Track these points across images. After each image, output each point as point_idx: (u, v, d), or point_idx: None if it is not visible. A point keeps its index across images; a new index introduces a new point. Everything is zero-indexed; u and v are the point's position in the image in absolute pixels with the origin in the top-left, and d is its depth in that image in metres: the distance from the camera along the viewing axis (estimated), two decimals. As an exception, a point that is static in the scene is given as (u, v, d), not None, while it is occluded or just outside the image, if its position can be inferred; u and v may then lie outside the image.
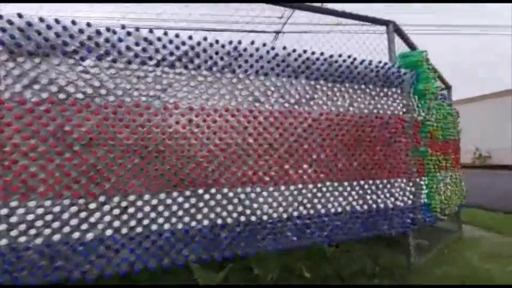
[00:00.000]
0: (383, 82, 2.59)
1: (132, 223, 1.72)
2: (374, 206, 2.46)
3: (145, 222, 1.75)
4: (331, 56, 2.36)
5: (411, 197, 2.69)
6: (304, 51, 2.28)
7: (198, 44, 1.96)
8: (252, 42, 2.12)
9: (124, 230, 1.70)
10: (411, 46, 3.24)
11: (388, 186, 2.55)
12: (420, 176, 2.81)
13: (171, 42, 1.89)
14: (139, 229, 1.74)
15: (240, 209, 1.98)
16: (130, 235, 1.72)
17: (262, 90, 2.14)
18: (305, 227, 2.19)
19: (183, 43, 1.92)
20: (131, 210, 1.73)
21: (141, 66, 1.82)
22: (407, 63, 2.89)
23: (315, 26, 4.12)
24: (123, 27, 1.81)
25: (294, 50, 2.25)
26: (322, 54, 2.34)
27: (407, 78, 2.77)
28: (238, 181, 1.99)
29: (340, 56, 2.41)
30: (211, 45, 2.00)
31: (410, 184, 2.69)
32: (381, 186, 2.51)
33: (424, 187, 2.85)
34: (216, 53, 2.01)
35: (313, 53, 2.32)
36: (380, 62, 2.59)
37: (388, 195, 2.53)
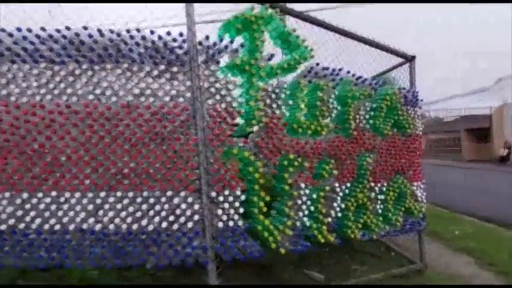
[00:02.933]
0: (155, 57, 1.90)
1: None
2: (126, 226, 1.84)
3: None
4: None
5: (195, 217, 1.92)
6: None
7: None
8: None
9: None
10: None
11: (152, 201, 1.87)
12: (230, 189, 1.98)
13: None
14: None
15: None
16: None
17: None
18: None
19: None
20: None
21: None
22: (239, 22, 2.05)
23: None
24: None
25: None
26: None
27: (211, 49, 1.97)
28: None
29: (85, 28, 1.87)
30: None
31: (195, 200, 1.91)
32: (139, 200, 1.86)
33: (232, 203, 1.99)
34: None
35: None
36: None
37: (153, 213, 1.86)
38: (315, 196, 2.32)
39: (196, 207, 1.91)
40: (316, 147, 2.38)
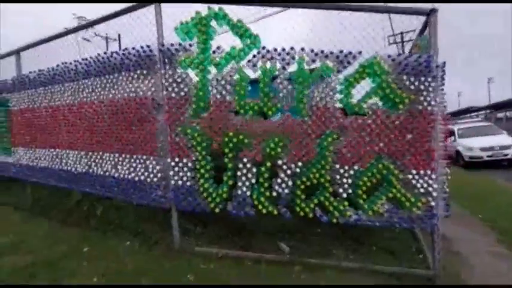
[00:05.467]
0: (135, 67, 2.81)
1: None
2: (122, 175, 2.93)
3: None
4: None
5: (158, 175, 2.71)
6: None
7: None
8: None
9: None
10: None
11: (131, 161, 2.84)
12: (178, 156, 2.65)
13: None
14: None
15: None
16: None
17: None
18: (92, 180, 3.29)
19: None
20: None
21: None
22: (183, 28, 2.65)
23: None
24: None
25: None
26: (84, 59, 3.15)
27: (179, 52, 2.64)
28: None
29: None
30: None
31: (155, 163, 2.71)
32: (126, 160, 2.88)
33: (183, 168, 2.64)
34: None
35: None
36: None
37: (131, 169, 2.85)
38: (254, 170, 2.57)
39: (158, 167, 2.72)
40: (262, 126, 2.58)
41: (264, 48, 2.57)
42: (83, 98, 3.24)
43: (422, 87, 2.49)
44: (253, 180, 2.59)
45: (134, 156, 2.86)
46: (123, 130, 2.91)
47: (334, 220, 2.56)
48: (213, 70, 2.65)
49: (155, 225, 3.08)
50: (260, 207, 2.57)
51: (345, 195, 2.55)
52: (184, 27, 2.61)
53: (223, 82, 2.59)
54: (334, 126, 2.55)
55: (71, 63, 3.28)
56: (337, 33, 2.58)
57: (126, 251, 2.86)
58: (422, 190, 2.52)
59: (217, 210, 2.61)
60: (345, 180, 2.54)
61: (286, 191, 2.56)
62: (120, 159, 2.96)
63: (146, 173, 2.79)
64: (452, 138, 9.95)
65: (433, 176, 2.52)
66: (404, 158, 2.52)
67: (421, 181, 2.52)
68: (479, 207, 4.68)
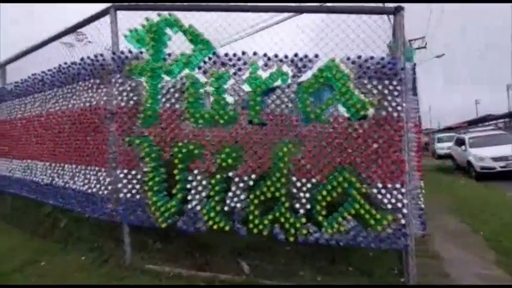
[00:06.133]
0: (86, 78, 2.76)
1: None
2: (79, 187, 2.83)
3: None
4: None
5: (109, 187, 2.59)
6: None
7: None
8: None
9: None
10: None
11: (86, 173, 2.74)
12: (127, 168, 2.53)
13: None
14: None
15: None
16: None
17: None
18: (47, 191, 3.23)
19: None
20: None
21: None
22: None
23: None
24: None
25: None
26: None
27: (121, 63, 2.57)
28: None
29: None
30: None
31: (105, 174, 2.59)
32: (82, 172, 2.79)
33: (132, 180, 2.51)
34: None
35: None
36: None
37: (85, 181, 2.75)
38: (204, 183, 2.40)
39: (109, 179, 2.60)
40: (213, 136, 2.42)
41: (214, 53, 2.44)
42: (49, 109, 3.22)
43: (386, 91, 2.25)
44: (204, 194, 2.41)
45: (89, 168, 2.77)
46: (80, 141, 2.84)
47: (291, 238, 2.32)
48: (167, 78, 2.55)
49: (111, 239, 2.94)
50: (211, 222, 2.38)
51: (302, 211, 2.31)
52: (135, 34, 2.53)
53: (172, 90, 2.47)
54: (290, 135, 2.35)
55: (39, 74, 3.29)
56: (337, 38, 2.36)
57: (78, 267, 2.74)
58: (390, 206, 2.24)
59: (164, 225, 2.44)
60: (302, 194, 2.31)
61: (238, 205, 2.36)
62: (77, 170, 2.88)
63: (98, 185, 2.68)
64: (463, 147, 9.34)
65: (403, 190, 2.24)
66: (368, 170, 2.26)
67: (388, 196, 2.24)
68: (482, 223, 4.23)
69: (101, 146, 2.67)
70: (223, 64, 2.41)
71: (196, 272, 2.57)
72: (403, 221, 2.24)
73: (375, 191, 2.24)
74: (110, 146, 2.64)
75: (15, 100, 3.78)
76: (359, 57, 2.28)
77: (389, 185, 2.25)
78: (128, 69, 2.55)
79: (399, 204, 2.23)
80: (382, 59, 2.26)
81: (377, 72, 2.26)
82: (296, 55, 2.34)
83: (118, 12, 2.71)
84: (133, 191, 2.52)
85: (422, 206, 2.40)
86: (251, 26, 2.97)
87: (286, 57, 2.36)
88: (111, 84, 2.60)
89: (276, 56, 2.36)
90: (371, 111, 2.32)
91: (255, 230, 2.34)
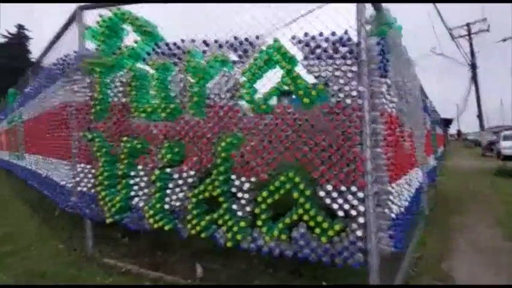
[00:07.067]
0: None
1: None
2: (57, 180, 3.02)
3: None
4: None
5: (73, 181, 2.68)
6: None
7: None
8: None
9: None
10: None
11: (60, 166, 2.89)
12: (85, 162, 2.59)
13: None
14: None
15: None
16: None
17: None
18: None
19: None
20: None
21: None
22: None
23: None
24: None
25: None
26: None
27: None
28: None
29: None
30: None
31: (69, 168, 2.69)
32: (59, 166, 2.96)
33: (87, 175, 2.55)
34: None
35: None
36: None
37: (60, 174, 2.90)
38: (146, 179, 2.30)
39: (71, 173, 2.71)
40: (156, 130, 2.31)
41: (157, 44, 2.33)
42: (43, 108, 3.53)
43: (338, 73, 1.85)
44: (146, 191, 2.32)
45: (61, 162, 2.94)
46: (56, 136, 3.03)
47: (229, 244, 2.08)
48: (121, 72, 2.53)
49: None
50: (151, 221, 2.28)
51: (240, 213, 2.05)
52: (91, 31, 2.57)
53: (119, 84, 2.44)
54: (231, 128, 2.11)
55: (36, 80, 3.64)
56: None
57: (55, 253, 2.92)
58: (341, 213, 1.84)
59: (110, 220, 2.42)
60: (241, 194, 2.05)
61: (177, 204, 2.21)
62: (55, 163, 3.08)
63: (66, 179, 2.81)
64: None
65: (360, 195, 1.82)
66: (316, 169, 1.89)
67: (340, 201, 1.84)
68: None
69: (67, 141, 2.80)
70: (164, 54, 2.29)
71: (146, 270, 2.50)
72: (359, 233, 1.81)
73: (322, 194, 1.86)
74: (74, 141, 2.74)
75: (28, 103, 4.27)
76: (306, 34, 1.92)
77: (342, 188, 1.84)
78: (84, 66, 2.61)
79: (353, 212, 1.81)
80: (333, 34, 1.86)
81: (327, 51, 1.87)
82: (236, 38, 2.08)
83: (88, 12, 2.80)
84: (89, 185, 2.57)
85: (393, 215, 1.91)
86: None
87: (227, 42, 2.12)
88: (74, 82, 2.70)
89: (216, 41, 2.15)
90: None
91: (193, 232, 2.16)
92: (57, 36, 3.27)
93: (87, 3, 2.79)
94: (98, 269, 2.58)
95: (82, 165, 2.61)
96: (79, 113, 2.64)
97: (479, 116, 13.77)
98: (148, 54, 2.35)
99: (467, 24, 13.94)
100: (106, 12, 2.64)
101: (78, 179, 2.62)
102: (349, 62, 1.84)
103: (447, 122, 20.39)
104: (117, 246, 2.94)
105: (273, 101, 2.11)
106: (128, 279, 2.47)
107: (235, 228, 2.04)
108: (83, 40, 2.75)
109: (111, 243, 2.96)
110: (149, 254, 2.85)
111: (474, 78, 13.45)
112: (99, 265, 2.62)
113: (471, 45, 13.62)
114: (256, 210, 2.00)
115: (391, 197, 1.93)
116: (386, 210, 1.90)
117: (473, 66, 13.49)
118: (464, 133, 35.54)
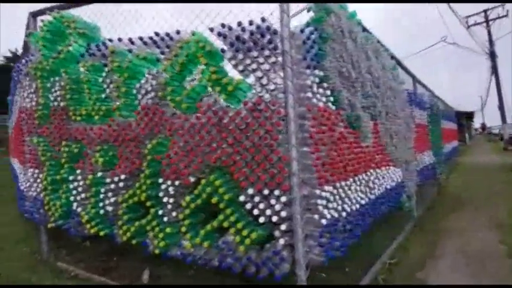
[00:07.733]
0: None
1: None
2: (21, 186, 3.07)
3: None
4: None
5: (27, 185, 2.71)
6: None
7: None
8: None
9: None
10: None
11: (23, 171, 2.94)
12: (34, 167, 2.60)
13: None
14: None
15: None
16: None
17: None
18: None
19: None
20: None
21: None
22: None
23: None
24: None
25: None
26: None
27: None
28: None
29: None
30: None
31: (23, 173, 2.71)
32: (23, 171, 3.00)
33: (36, 179, 2.56)
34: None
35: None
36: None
37: (22, 179, 2.94)
38: (82, 183, 2.25)
39: (25, 178, 2.73)
40: (92, 133, 2.26)
41: (89, 45, 2.27)
42: (16, 114, 3.62)
43: (255, 66, 1.68)
44: (83, 195, 2.27)
45: (21, 166, 2.98)
46: (19, 142, 3.08)
47: (156, 251, 1.97)
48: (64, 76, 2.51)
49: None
50: (88, 226, 2.23)
51: (166, 218, 1.94)
52: (34, 36, 2.57)
53: (58, 88, 2.41)
54: (157, 129, 2.00)
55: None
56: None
57: (20, 256, 2.98)
58: (262, 219, 1.67)
59: (51, 225, 2.41)
60: (166, 199, 1.94)
61: (110, 209, 2.14)
62: (19, 169, 3.14)
63: (25, 183, 2.85)
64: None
65: (283, 199, 1.64)
66: (237, 171, 1.74)
67: (261, 206, 1.68)
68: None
69: (21, 145, 2.83)
70: (95, 55, 2.23)
71: (92, 275, 2.47)
72: (281, 241, 1.64)
73: (242, 198, 1.70)
74: (26, 146, 2.76)
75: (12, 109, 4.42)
76: (223, 25, 1.77)
77: (264, 192, 1.68)
78: (29, 71, 2.61)
79: (275, 218, 1.64)
80: (251, 23, 1.70)
81: (245, 43, 1.71)
82: (157, 34, 1.97)
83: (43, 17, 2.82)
84: (38, 190, 2.58)
85: (324, 222, 1.71)
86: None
87: (150, 38, 2.01)
88: (24, 88, 2.72)
89: (140, 38, 2.05)
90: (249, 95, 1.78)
91: (124, 238, 2.08)
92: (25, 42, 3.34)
93: (39, 9, 2.79)
94: (50, 273, 2.58)
95: (31, 169, 2.63)
96: (28, 118, 2.65)
97: (501, 108, 12.68)
98: (82, 56, 2.29)
99: (485, 11, 12.84)
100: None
101: (29, 183, 2.64)
102: (266, 53, 1.66)
103: (468, 116, 19.02)
104: (76, 251, 2.94)
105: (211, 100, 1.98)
106: (75, 282, 2.45)
107: (161, 235, 1.93)
108: (32, 46, 2.75)
109: (70, 248, 2.97)
110: (105, 258, 2.83)
111: (494, 68, 12.39)
112: (52, 269, 2.63)
113: (489, 32, 12.55)
114: (180, 216, 1.88)
115: (322, 201, 1.73)
116: (316, 216, 1.71)
117: (492, 55, 12.43)
118: (489, 126, 33.30)
